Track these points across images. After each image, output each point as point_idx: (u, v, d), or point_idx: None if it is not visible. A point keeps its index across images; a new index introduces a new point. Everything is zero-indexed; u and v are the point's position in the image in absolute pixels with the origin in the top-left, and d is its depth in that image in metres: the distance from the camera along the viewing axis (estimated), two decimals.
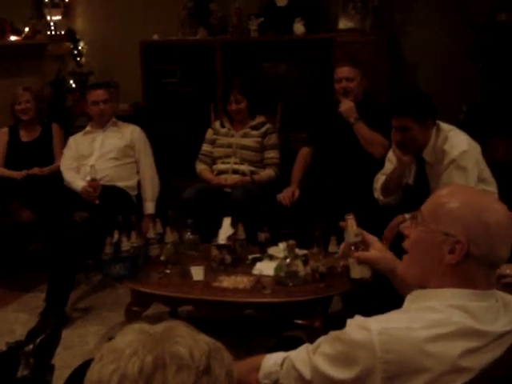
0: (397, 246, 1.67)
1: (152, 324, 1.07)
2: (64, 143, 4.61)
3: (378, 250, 1.84)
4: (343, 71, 4.08)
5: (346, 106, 4.00)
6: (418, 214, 1.50)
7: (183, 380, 0.96)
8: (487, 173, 3.33)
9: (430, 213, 1.47)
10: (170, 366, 0.97)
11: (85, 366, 1.03)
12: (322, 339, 1.47)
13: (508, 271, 2.25)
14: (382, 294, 2.13)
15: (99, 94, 4.47)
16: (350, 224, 1.89)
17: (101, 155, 4.39)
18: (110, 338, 1.07)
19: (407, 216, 1.56)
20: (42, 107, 4.71)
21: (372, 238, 1.87)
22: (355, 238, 1.87)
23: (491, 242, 1.39)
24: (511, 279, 2.26)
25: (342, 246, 1.92)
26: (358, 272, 1.87)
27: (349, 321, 1.40)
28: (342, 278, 3.15)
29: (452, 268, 1.41)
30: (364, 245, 1.86)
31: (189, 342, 1.00)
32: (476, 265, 1.40)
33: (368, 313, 1.42)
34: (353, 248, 1.87)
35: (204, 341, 1.03)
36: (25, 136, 4.66)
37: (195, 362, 0.98)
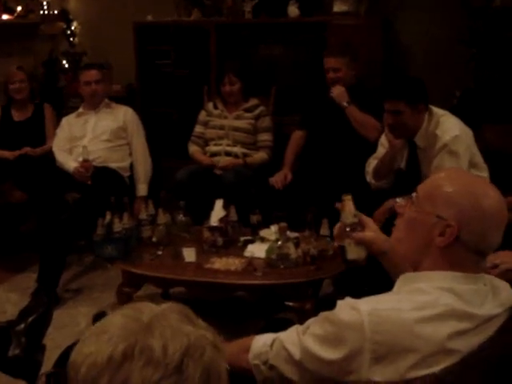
0: (387, 229, 1.68)
1: (157, 304, 1.02)
2: (56, 124, 4.59)
3: (373, 230, 1.80)
4: (329, 62, 4.08)
5: (338, 90, 4.00)
6: (413, 195, 1.51)
7: (147, 375, 0.90)
8: (479, 158, 3.34)
9: (426, 195, 1.48)
10: (138, 358, 0.91)
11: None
12: (311, 320, 1.48)
13: (498, 261, 2.25)
14: (374, 278, 2.14)
15: (92, 75, 4.44)
16: (348, 205, 1.83)
17: (94, 137, 4.37)
18: (96, 315, 1.06)
19: (398, 200, 1.56)
20: (33, 86, 4.69)
21: (367, 219, 1.84)
22: (353, 219, 1.82)
23: (483, 229, 1.39)
24: (504, 267, 2.26)
25: (337, 226, 1.86)
26: (354, 253, 1.82)
27: (339, 302, 1.41)
28: (333, 261, 3.16)
29: (441, 251, 1.42)
30: (360, 226, 1.82)
31: (167, 334, 0.94)
32: (464, 250, 1.41)
33: (359, 296, 1.42)
34: (348, 229, 1.82)
35: (188, 334, 0.96)
36: (17, 115, 4.64)
37: (166, 359, 0.92)
